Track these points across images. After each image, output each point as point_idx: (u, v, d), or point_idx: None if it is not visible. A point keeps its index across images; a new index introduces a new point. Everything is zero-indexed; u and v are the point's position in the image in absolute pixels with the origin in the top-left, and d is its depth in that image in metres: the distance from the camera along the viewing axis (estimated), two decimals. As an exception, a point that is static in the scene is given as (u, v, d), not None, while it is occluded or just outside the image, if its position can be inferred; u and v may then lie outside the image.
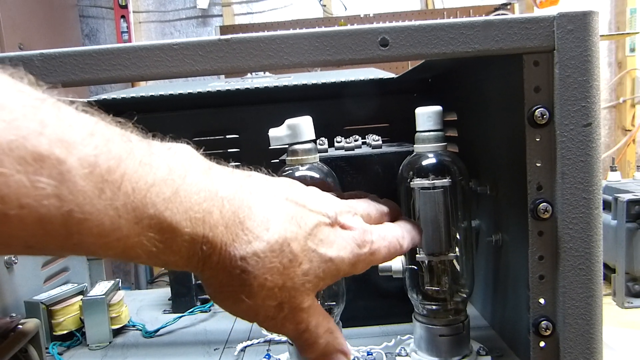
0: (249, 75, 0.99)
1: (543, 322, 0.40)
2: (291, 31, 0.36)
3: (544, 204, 0.39)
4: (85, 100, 0.83)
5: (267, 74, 0.98)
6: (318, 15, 2.25)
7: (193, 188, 0.29)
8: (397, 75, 0.81)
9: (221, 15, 2.29)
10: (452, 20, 0.36)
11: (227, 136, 0.88)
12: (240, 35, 0.36)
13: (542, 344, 0.41)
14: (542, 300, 0.41)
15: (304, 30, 0.36)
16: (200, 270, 0.31)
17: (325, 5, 2.22)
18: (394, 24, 0.36)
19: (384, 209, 0.43)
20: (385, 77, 0.83)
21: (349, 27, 0.36)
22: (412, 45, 0.36)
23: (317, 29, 0.36)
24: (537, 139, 0.39)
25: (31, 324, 0.51)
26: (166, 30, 2.32)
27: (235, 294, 0.31)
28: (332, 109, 0.87)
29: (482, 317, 0.65)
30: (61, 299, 0.67)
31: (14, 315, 0.51)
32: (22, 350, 0.50)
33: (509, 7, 2.17)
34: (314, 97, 0.83)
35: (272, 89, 0.83)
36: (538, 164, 0.40)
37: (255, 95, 0.86)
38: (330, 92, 0.85)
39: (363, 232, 0.36)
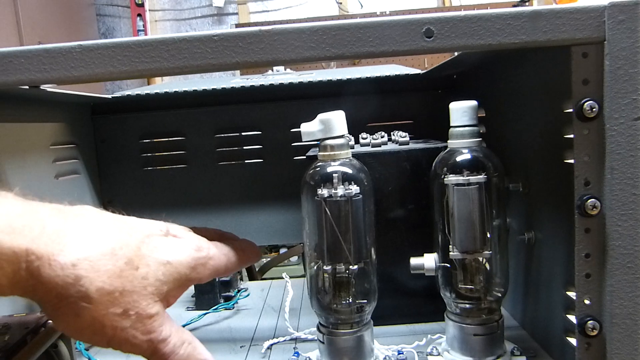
0: (269, 71, 0.98)
1: (589, 322, 0.39)
2: (333, 22, 0.35)
3: (592, 200, 0.38)
4: (110, 96, 0.83)
5: (288, 70, 0.97)
6: (333, 13, 2.24)
7: (15, 210, 0.29)
8: (423, 72, 0.80)
9: (236, 13, 2.29)
10: (498, 10, 0.35)
11: (249, 133, 0.88)
12: (282, 26, 0.35)
13: (587, 344, 0.40)
14: (587, 300, 0.40)
15: (347, 21, 0.35)
16: (32, 290, 0.29)
17: (341, 3, 2.21)
18: (438, 14, 0.35)
19: (220, 231, 0.46)
20: (410, 74, 0.82)
21: (392, 17, 0.35)
22: (458, 37, 0.35)
23: (360, 20, 0.35)
24: (585, 133, 0.38)
25: (61, 319, 0.51)
26: (182, 28, 2.32)
27: (74, 304, 0.30)
28: (355, 105, 0.86)
29: (511, 317, 0.64)
30: (86, 295, 0.67)
31: (44, 310, 0.51)
32: (52, 345, 0.49)
33: (527, 2, 2.14)
34: (336, 93, 0.82)
35: (295, 86, 0.82)
36: (586, 159, 0.38)
37: (277, 91, 0.85)
38: (352, 89, 0.84)
39: (197, 239, 0.37)
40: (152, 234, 0.34)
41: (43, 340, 0.48)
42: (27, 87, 0.57)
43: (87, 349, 0.63)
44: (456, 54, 0.63)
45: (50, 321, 0.50)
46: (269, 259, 2.11)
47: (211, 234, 0.42)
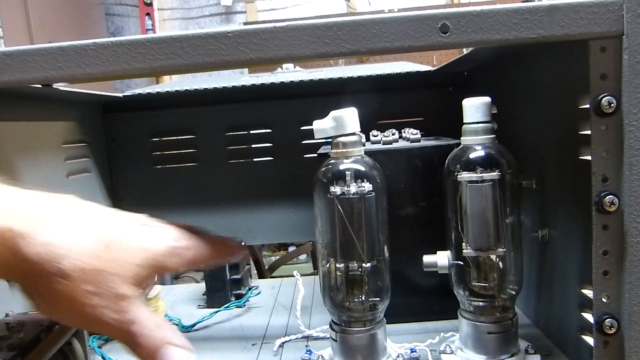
0: (279, 69, 0.98)
1: (607, 320, 0.39)
2: (348, 18, 0.35)
3: (610, 196, 0.37)
4: (121, 94, 0.84)
5: (298, 68, 0.97)
6: (341, 11, 2.23)
7: None
8: (433, 68, 0.80)
9: (244, 12, 2.29)
10: (515, 5, 0.35)
11: (259, 131, 0.88)
12: (296, 22, 0.35)
13: (605, 342, 0.39)
14: (605, 298, 0.40)
15: (362, 17, 0.35)
16: (11, 267, 0.31)
17: (349, 1, 2.21)
18: (454, 9, 0.35)
19: (202, 229, 0.45)
20: (421, 71, 0.81)
21: (407, 13, 0.35)
22: (474, 32, 0.35)
23: (375, 15, 0.34)
24: (603, 128, 0.37)
25: (75, 317, 0.51)
26: (190, 27, 2.33)
27: (51, 280, 0.31)
28: (365, 103, 0.86)
29: (524, 315, 0.64)
30: (98, 293, 0.67)
31: (58, 308, 0.51)
32: (66, 343, 0.50)
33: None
34: (347, 91, 0.82)
35: (305, 83, 0.82)
36: (603, 155, 0.38)
37: (288, 89, 0.85)
38: (363, 86, 0.84)
39: (176, 230, 0.38)
40: (131, 222, 0.36)
41: (57, 337, 0.48)
42: (39, 85, 0.58)
43: (100, 347, 0.63)
44: (465, 51, 0.63)
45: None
46: (277, 257, 2.11)
47: (193, 230, 0.43)
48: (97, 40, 0.36)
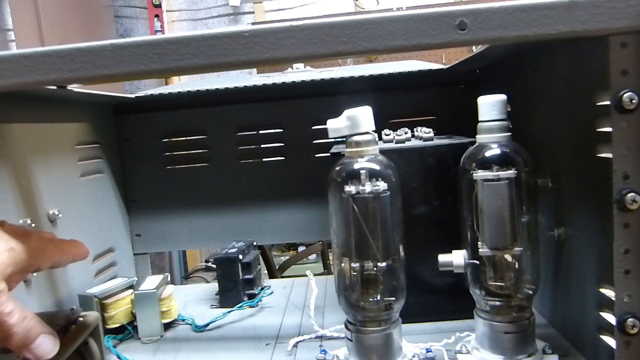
0: (289, 69, 0.98)
1: (629, 320, 0.38)
2: (364, 16, 0.35)
3: (632, 194, 0.37)
4: (133, 95, 0.84)
5: (308, 67, 0.97)
6: (349, 10, 2.23)
7: None
8: (446, 67, 0.79)
9: (252, 12, 2.30)
10: (534, 0, 0.34)
11: (270, 131, 0.88)
12: (313, 20, 0.35)
13: (627, 343, 0.39)
14: (626, 298, 0.39)
15: (379, 15, 0.34)
16: None
17: (357, 0, 2.20)
18: (472, 5, 0.34)
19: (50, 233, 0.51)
20: (433, 69, 0.81)
21: (424, 10, 0.34)
22: (492, 28, 0.35)
23: (392, 13, 0.34)
24: (624, 125, 0.37)
25: (91, 316, 0.51)
26: (198, 28, 2.33)
27: None
28: (376, 102, 0.86)
29: (539, 314, 0.63)
30: (112, 293, 0.68)
31: (74, 307, 0.51)
32: (83, 342, 0.50)
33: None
34: (358, 90, 0.81)
35: (316, 83, 0.82)
36: (625, 152, 0.37)
37: (299, 89, 0.85)
38: (374, 85, 0.83)
39: (36, 232, 0.45)
40: None
41: (74, 337, 0.48)
42: (54, 87, 0.58)
43: (114, 346, 0.63)
44: (474, 48, 0.63)
45: (81, 318, 0.51)
46: (287, 257, 2.11)
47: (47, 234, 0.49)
48: (114, 41, 0.36)
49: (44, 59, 0.37)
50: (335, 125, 0.49)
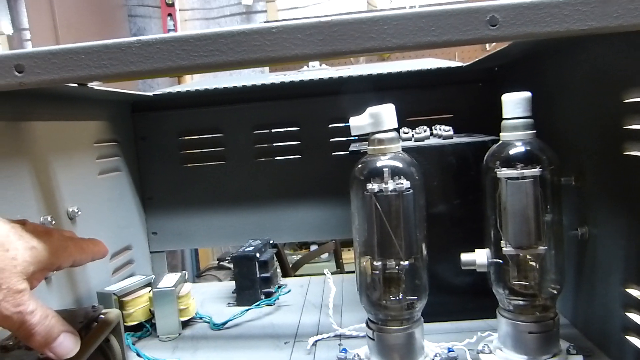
0: (304, 67, 0.97)
1: (661, 320, 0.37)
2: (394, 11, 0.34)
3: (665, 192, 0.36)
4: (151, 94, 0.84)
5: (324, 65, 0.96)
6: (362, 9, 2.22)
7: None
8: (464, 64, 0.78)
9: (265, 11, 2.30)
10: (566, -5, 0.34)
11: (287, 129, 0.88)
12: (341, 17, 0.34)
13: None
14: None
15: (408, 10, 0.34)
16: None
17: (369, -2, 2.20)
18: (504, 1, 0.34)
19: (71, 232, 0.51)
20: (452, 67, 0.80)
21: (455, 6, 0.34)
22: (524, 24, 0.34)
23: (423, 9, 0.34)
24: (658, 123, 0.36)
25: (112, 314, 0.51)
26: (211, 27, 2.34)
27: None
28: (394, 100, 0.85)
29: (561, 315, 0.62)
30: (131, 291, 0.68)
31: (95, 305, 0.52)
32: (104, 340, 0.50)
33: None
34: (375, 88, 0.81)
35: (334, 81, 0.82)
36: (658, 150, 0.37)
37: (315, 87, 0.85)
38: (392, 83, 0.83)
39: (57, 230, 0.45)
40: (16, 226, 0.41)
41: (96, 335, 0.48)
42: (75, 85, 0.58)
43: (134, 344, 0.64)
44: (487, 47, 0.62)
45: (102, 316, 0.51)
46: (299, 255, 2.11)
47: (68, 233, 0.49)
48: (141, 38, 0.36)
49: (71, 55, 0.37)
50: (358, 123, 0.49)
